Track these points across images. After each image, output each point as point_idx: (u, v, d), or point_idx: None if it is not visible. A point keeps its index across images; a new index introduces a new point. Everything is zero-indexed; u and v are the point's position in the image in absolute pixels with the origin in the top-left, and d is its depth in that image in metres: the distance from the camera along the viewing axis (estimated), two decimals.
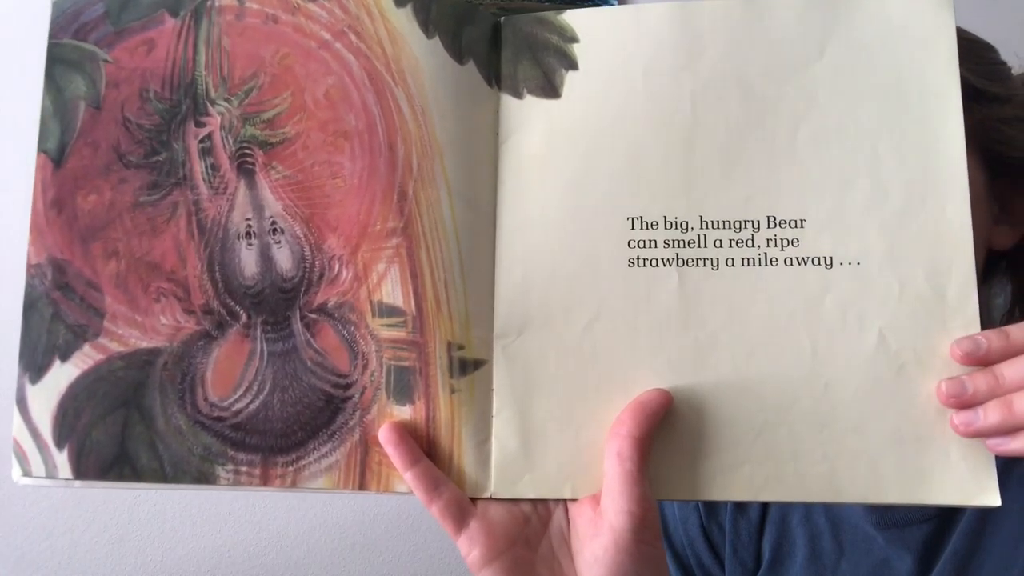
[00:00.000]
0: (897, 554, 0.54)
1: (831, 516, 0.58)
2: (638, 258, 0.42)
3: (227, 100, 0.44)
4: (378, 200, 0.43)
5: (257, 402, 0.43)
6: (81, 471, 0.43)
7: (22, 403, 0.43)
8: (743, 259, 0.40)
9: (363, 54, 0.44)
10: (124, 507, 1.15)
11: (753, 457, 0.39)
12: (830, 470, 0.38)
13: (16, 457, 0.43)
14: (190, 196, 0.44)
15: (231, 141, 0.44)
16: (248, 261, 0.44)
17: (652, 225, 0.42)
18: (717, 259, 0.41)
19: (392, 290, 0.43)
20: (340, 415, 0.43)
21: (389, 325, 0.43)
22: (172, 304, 0.43)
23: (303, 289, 0.43)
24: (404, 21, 0.45)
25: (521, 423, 0.42)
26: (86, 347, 0.43)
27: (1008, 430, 0.35)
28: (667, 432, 0.40)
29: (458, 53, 0.45)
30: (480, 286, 0.43)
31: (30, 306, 0.44)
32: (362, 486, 0.42)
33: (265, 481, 0.42)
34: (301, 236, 0.43)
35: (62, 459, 0.43)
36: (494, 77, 0.45)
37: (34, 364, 0.43)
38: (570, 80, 0.44)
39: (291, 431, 0.43)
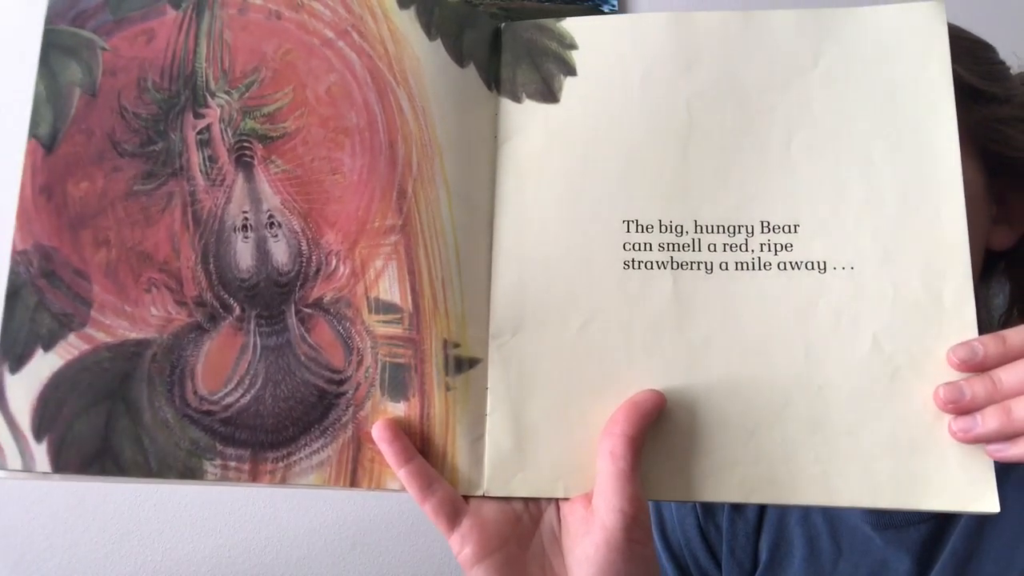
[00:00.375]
0: (895, 555, 0.54)
1: (829, 517, 0.59)
2: (633, 260, 0.43)
3: (227, 93, 0.44)
4: (377, 197, 0.44)
5: (248, 396, 0.42)
6: (61, 464, 0.41)
7: None
8: (737, 263, 0.41)
9: (366, 53, 0.45)
10: (124, 507, 1.14)
11: (745, 459, 0.40)
12: (823, 473, 0.39)
13: None
14: (186, 187, 0.43)
15: (230, 134, 0.44)
16: (244, 254, 0.43)
17: (647, 228, 0.43)
18: (711, 263, 0.42)
19: (389, 287, 0.43)
20: (333, 411, 0.42)
21: (385, 321, 0.43)
22: (164, 295, 0.43)
23: (299, 283, 0.43)
24: (407, 22, 0.45)
25: (515, 422, 0.42)
26: (71, 337, 0.42)
27: (1007, 436, 0.35)
28: (660, 433, 0.41)
29: (459, 56, 0.46)
30: (477, 285, 0.43)
31: (13, 293, 0.42)
32: (353, 483, 0.42)
33: (254, 477, 0.42)
34: (298, 230, 0.43)
35: (40, 452, 0.41)
36: (494, 81, 0.46)
37: (14, 353, 0.42)
38: (568, 86, 0.45)
39: (283, 426, 0.42)
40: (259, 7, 0.45)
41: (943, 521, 0.53)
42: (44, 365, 0.42)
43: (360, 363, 0.43)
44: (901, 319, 0.39)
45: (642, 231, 0.43)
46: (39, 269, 0.42)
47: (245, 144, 0.44)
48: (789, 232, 0.41)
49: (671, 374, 0.41)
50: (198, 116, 0.44)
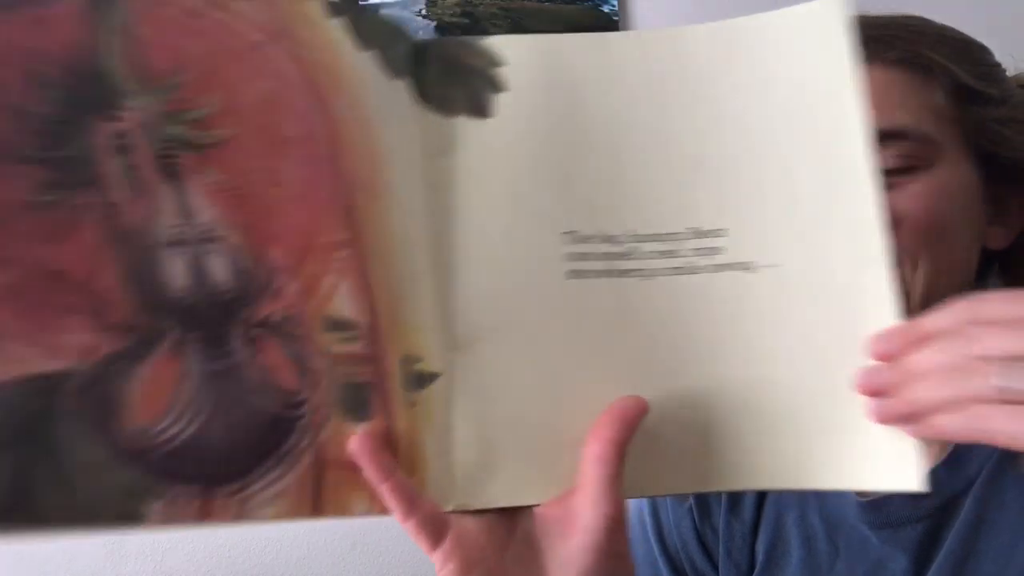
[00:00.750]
0: (892, 554, 0.55)
1: (826, 517, 0.59)
2: (576, 270, 0.45)
3: (145, 95, 0.40)
4: (323, 211, 0.42)
5: (193, 427, 0.38)
6: None
7: None
8: (672, 268, 0.45)
9: (301, 60, 0.43)
10: None
11: (694, 452, 0.44)
12: (768, 459, 0.43)
13: None
14: (102, 199, 0.39)
15: (152, 140, 0.40)
16: (177, 271, 0.39)
17: (587, 239, 0.45)
18: (648, 269, 0.45)
19: (343, 303, 0.41)
20: (290, 437, 0.40)
21: (341, 340, 0.41)
22: (84, 320, 0.38)
23: (243, 302, 0.40)
24: (338, 32, 0.44)
25: (481, 433, 0.43)
26: None
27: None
28: None
29: (389, 69, 0.45)
30: (433, 299, 0.43)
31: None
32: (316, 512, 0.40)
33: (205, 515, 0.38)
34: (239, 245, 0.40)
35: None
36: (424, 96, 0.46)
37: None
38: (499, 101, 0.46)
39: (235, 457, 0.39)
40: (175, 1, 0.41)
41: (940, 520, 0.54)
42: None
43: (316, 384, 0.41)
44: (826, 310, 0.43)
45: (582, 242, 0.45)
46: None
47: (171, 152, 0.40)
48: (718, 236, 0.45)
49: (621, 377, 0.44)
50: (110, 119, 0.39)
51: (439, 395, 0.43)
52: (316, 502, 0.40)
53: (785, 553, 0.60)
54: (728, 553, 0.63)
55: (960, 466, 0.55)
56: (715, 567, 0.65)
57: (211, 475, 0.38)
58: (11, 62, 0.38)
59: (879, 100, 0.51)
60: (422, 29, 1.38)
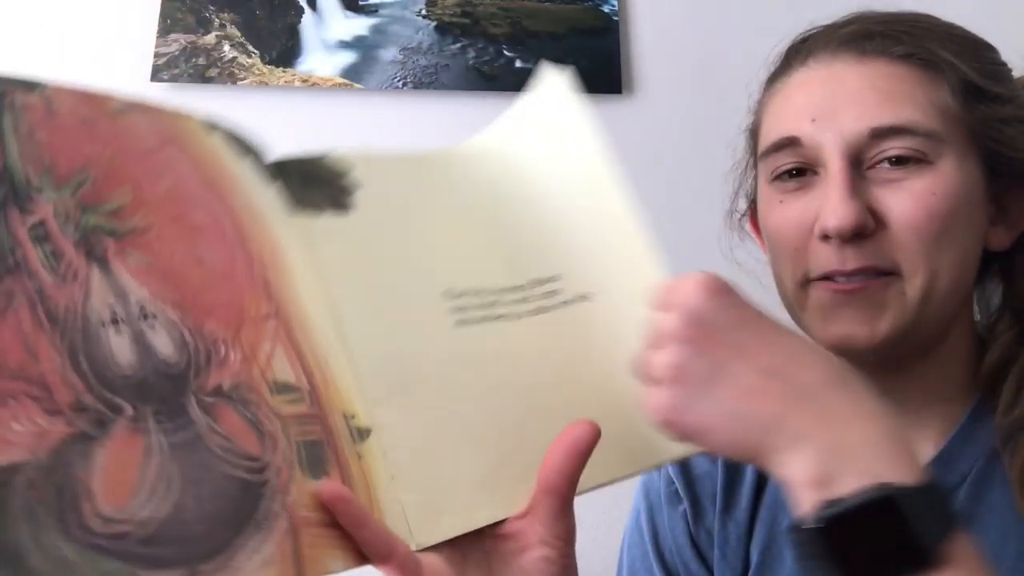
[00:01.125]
0: None
1: None
2: (462, 320, 0.51)
3: (56, 190, 0.39)
4: (246, 286, 0.43)
5: (168, 504, 0.35)
6: None
7: None
8: (531, 310, 0.53)
9: (195, 162, 0.45)
10: None
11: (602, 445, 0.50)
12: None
13: None
14: (29, 284, 0.36)
15: (71, 229, 0.39)
16: (121, 349, 0.37)
17: (461, 295, 0.52)
18: (514, 313, 0.52)
19: (283, 368, 0.42)
20: (262, 502, 0.38)
21: (289, 401, 0.42)
22: (26, 406, 0.34)
23: (192, 373, 0.39)
24: (217, 142, 0.47)
25: (420, 475, 0.45)
26: None
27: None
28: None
29: (265, 176, 0.49)
30: (348, 363, 0.46)
31: None
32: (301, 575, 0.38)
33: None
34: (176, 320, 0.40)
35: None
36: (294, 198, 0.50)
37: None
38: (357, 197, 0.52)
39: (214, 531, 0.36)
40: (67, 113, 0.42)
41: None
42: None
43: (275, 446, 0.40)
44: (629, 321, 0.51)
45: (458, 297, 0.52)
46: None
47: (92, 238, 0.39)
48: (554, 281, 0.55)
49: (520, 399, 0.50)
50: (25, 211, 0.38)
51: (376, 448, 0.45)
52: (299, 566, 0.38)
53: (779, 554, 0.61)
54: (723, 555, 0.64)
55: (949, 465, 0.56)
56: (709, 570, 0.65)
57: (194, 555, 0.35)
58: None
59: (885, 95, 0.53)
60: (422, 29, 1.32)
